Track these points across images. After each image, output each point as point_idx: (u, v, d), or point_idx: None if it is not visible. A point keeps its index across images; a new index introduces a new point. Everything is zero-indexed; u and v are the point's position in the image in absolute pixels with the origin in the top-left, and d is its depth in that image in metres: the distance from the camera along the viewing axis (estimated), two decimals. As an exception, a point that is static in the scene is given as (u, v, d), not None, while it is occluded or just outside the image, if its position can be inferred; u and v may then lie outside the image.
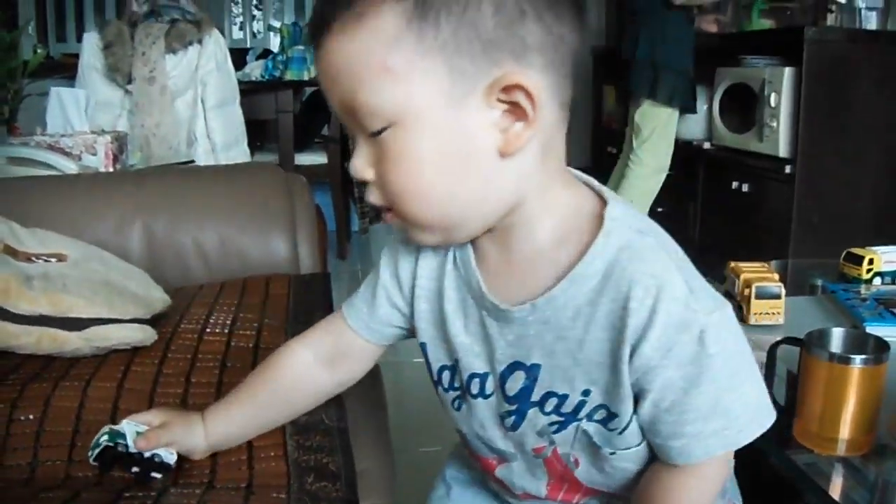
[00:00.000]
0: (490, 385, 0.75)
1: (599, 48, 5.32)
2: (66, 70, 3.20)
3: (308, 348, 0.86)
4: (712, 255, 3.66)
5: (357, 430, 0.98)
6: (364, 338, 0.84)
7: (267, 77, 4.26)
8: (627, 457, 0.73)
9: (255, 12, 7.13)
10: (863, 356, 0.87)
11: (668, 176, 3.57)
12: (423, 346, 0.80)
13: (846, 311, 1.36)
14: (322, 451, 0.87)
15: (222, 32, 3.46)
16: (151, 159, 2.86)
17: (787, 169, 3.19)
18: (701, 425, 0.67)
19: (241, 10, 7.06)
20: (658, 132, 3.46)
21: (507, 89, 0.62)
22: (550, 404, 0.72)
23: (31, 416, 0.90)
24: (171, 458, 0.83)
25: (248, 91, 3.50)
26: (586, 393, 0.70)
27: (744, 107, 3.45)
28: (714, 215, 3.77)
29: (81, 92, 2.45)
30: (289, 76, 4.26)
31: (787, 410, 0.95)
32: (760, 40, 3.58)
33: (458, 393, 0.78)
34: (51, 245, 1.24)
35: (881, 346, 0.89)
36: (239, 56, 4.16)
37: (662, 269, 0.66)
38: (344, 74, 0.62)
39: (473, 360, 0.74)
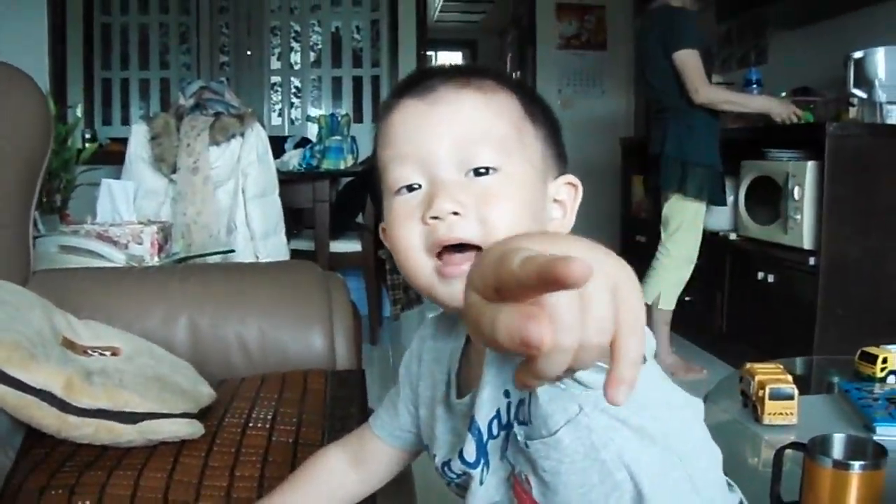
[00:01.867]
0: (456, 467, 0.80)
1: (627, 139, 5.46)
2: (114, 158, 3.35)
3: (342, 453, 0.95)
4: (739, 345, 3.72)
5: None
6: (389, 444, 0.93)
7: (304, 166, 4.41)
8: (543, 452, 0.67)
9: (294, 100, 7.37)
10: (861, 462, 0.93)
11: (695, 266, 3.64)
12: (426, 447, 0.87)
13: (858, 410, 1.41)
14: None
15: (261, 120, 3.62)
16: (193, 246, 2.98)
17: (812, 261, 3.24)
18: None
19: (280, 97, 7.30)
20: (686, 224, 3.54)
21: (567, 185, 0.79)
22: (495, 426, 0.74)
23: (87, 503, 0.98)
24: None
25: (287, 181, 3.64)
26: (507, 394, 0.72)
27: (769, 199, 3.52)
28: (741, 305, 3.82)
29: (130, 184, 2.59)
30: (325, 165, 4.41)
31: (795, 510, 1.00)
32: (784, 134, 3.67)
33: (450, 482, 0.84)
34: (104, 338, 1.34)
35: (880, 451, 0.95)
36: (277, 144, 4.32)
37: None
38: (476, 117, 0.73)
39: (445, 453, 0.82)
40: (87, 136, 4.70)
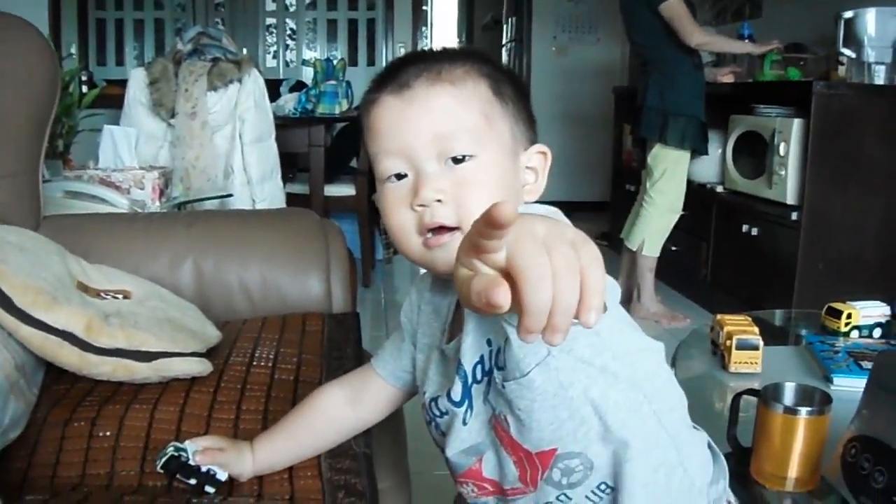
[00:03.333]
0: (443, 405, 0.89)
1: (620, 88, 5.50)
2: (112, 102, 3.39)
3: (341, 390, 1.05)
4: (722, 294, 3.84)
5: (380, 455, 1.15)
6: (390, 383, 1.03)
7: (300, 110, 4.45)
8: (517, 392, 0.74)
9: (289, 42, 7.37)
10: (808, 408, 1.03)
11: (682, 216, 3.73)
12: (419, 387, 0.97)
13: (819, 362, 1.51)
14: (350, 472, 1.04)
15: (256, 62, 3.66)
16: (191, 190, 3.05)
17: (794, 216, 3.33)
18: None
19: (275, 39, 7.30)
20: (669, 173, 3.62)
21: (538, 153, 0.88)
22: (479, 372, 0.83)
23: (108, 433, 1.08)
24: (223, 475, 1.00)
25: (283, 126, 3.69)
26: (489, 343, 0.81)
27: (755, 154, 3.59)
28: (725, 256, 3.92)
29: (132, 130, 2.65)
30: (320, 110, 4.45)
31: (750, 451, 1.11)
32: (772, 91, 3.74)
33: (434, 422, 0.93)
34: (115, 282, 1.42)
35: (825, 399, 1.05)
36: (272, 87, 4.37)
37: None
38: (449, 111, 0.82)
39: (434, 391, 0.92)
40: (84, 78, 4.72)
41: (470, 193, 0.81)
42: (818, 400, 1.06)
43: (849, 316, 1.68)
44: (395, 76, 0.84)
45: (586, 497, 0.83)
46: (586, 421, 0.75)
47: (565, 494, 0.83)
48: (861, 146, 3.30)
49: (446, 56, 0.86)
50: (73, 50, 6.48)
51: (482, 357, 0.82)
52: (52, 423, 1.11)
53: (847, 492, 1.00)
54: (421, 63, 0.84)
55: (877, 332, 1.69)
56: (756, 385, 1.16)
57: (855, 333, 1.68)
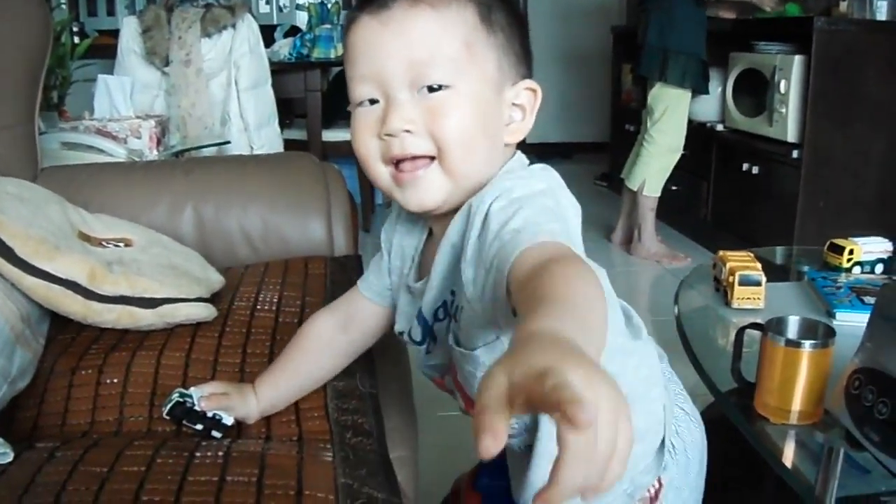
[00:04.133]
0: (406, 338, 0.95)
1: (619, 28, 5.44)
2: (105, 52, 3.36)
3: (332, 317, 1.06)
4: (724, 232, 3.83)
5: (386, 395, 1.16)
6: (377, 303, 1.03)
7: (295, 55, 4.41)
8: (464, 360, 0.83)
9: (282, -14, 7.26)
10: (812, 341, 1.04)
11: (682, 156, 3.71)
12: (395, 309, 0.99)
13: (822, 297, 1.51)
14: (357, 412, 1.05)
15: (250, 8, 3.62)
16: (188, 138, 3.03)
17: (795, 154, 3.32)
18: (500, 241, 0.69)
19: (268, -16, 7.19)
20: (669, 112, 3.59)
21: (527, 90, 0.83)
22: (441, 312, 0.86)
23: (115, 380, 1.08)
24: (229, 420, 1.01)
25: (278, 71, 3.66)
26: (452, 293, 0.83)
27: (756, 91, 3.56)
28: (725, 195, 3.91)
29: (127, 79, 2.62)
30: (316, 54, 4.41)
31: (754, 385, 1.11)
32: (773, 27, 3.69)
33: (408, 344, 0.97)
34: (116, 230, 1.42)
35: (829, 332, 1.06)
36: (267, 33, 4.31)
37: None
38: (427, 37, 0.77)
39: (403, 322, 0.95)
40: (75, 29, 4.65)
41: (442, 122, 0.78)
42: (821, 333, 1.07)
43: (851, 252, 1.68)
44: None
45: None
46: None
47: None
48: (862, 83, 3.27)
49: None
50: (63, 0, 6.39)
51: (444, 302, 0.85)
52: (60, 372, 1.11)
53: (851, 424, 1.01)
54: None
55: (879, 268, 1.69)
56: (759, 320, 1.16)
57: (857, 269, 1.68)
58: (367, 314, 1.05)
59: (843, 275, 1.66)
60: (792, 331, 1.08)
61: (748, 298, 1.47)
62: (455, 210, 0.82)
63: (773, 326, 1.07)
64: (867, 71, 3.26)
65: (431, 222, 0.90)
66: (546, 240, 0.66)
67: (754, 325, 1.12)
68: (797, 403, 1.05)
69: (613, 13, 6.25)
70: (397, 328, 0.97)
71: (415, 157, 0.79)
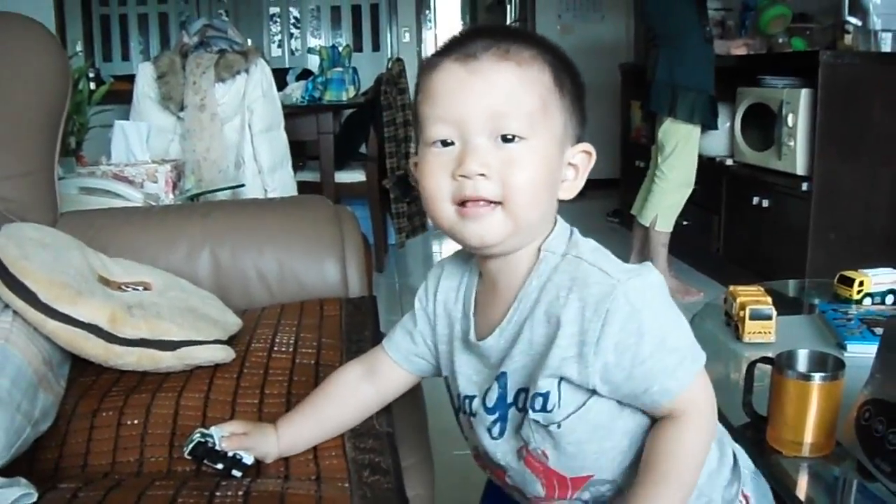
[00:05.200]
0: (476, 405, 0.94)
1: (627, 65, 5.49)
2: (120, 97, 3.41)
3: (360, 368, 1.08)
4: (735, 267, 3.84)
5: (402, 434, 1.17)
6: (402, 367, 1.05)
7: (307, 98, 4.47)
8: (572, 427, 0.86)
9: (293, 31, 7.37)
10: (822, 374, 1.05)
11: (693, 190, 3.74)
12: (445, 379, 1.01)
13: (832, 330, 1.52)
14: (374, 451, 1.06)
15: (262, 53, 3.69)
16: (203, 182, 3.07)
17: (804, 186, 3.34)
18: (662, 362, 0.81)
19: (279, 28, 7.30)
20: (680, 148, 3.62)
21: (583, 152, 0.89)
22: (521, 401, 0.88)
23: (135, 421, 1.10)
24: (249, 459, 1.02)
25: (291, 114, 3.70)
26: (535, 381, 0.86)
27: (764, 125, 3.59)
28: (736, 229, 3.92)
29: (143, 125, 2.66)
30: (328, 97, 4.47)
31: (766, 419, 1.13)
32: (779, 62, 3.73)
33: (466, 415, 0.97)
34: (135, 274, 1.45)
35: (838, 364, 1.07)
36: (279, 76, 4.37)
37: (577, 269, 0.85)
38: (510, 90, 0.82)
39: (466, 387, 0.95)
40: (91, 74, 4.74)
41: (515, 173, 0.82)
42: (831, 365, 1.08)
43: (861, 283, 1.69)
44: (462, 45, 0.84)
45: None
46: (624, 451, 0.88)
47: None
48: (869, 115, 3.29)
49: (516, 36, 0.86)
50: (79, 47, 6.50)
51: (527, 389, 0.87)
52: (81, 414, 1.13)
53: (862, 455, 1.01)
54: (490, 38, 0.84)
55: (889, 299, 1.70)
56: (770, 354, 1.17)
57: (867, 301, 1.69)
58: (391, 372, 1.07)
59: (854, 306, 1.67)
60: (802, 364, 1.10)
61: (759, 332, 1.48)
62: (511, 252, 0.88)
63: (784, 360, 1.09)
64: (874, 103, 3.29)
65: (482, 265, 0.93)
66: (672, 402, 0.83)
67: (765, 360, 1.13)
68: (809, 436, 1.06)
69: (621, 50, 6.32)
70: (458, 391, 0.97)
71: (483, 200, 0.83)
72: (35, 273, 1.15)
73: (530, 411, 0.86)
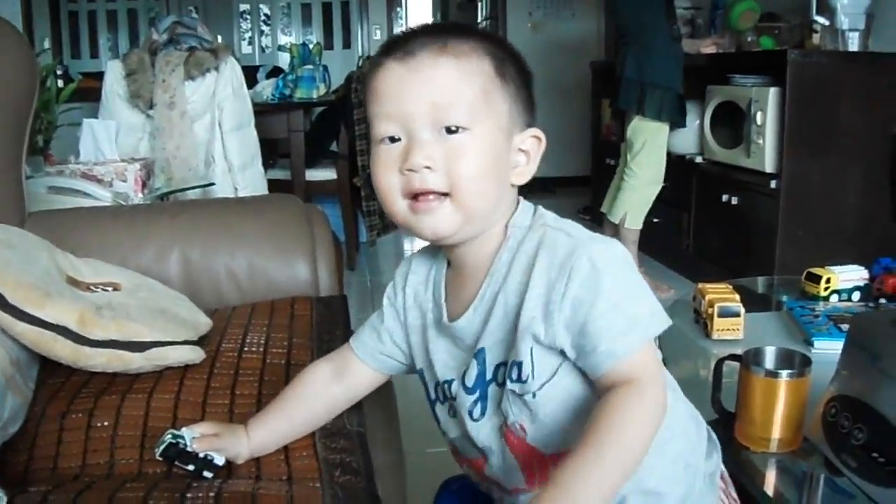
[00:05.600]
0: (455, 388, 0.94)
1: (597, 63, 5.52)
2: (89, 95, 3.38)
3: (328, 367, 1.07)
4: (705, 263, 3.88)
5: (373, 433, 1.17)
6: (370, 366, 1.05)
7: (277, 95, 4.46)
8: (547, 396, 0.86)
9: (264, 28, 7.33)
10: (789, 371, 1.06)
11: (662, 188, 3.76)
12: (420, 372, 1.00)
13: (800, 326, 1.54)
14: (345, 451, 1.06)
15: (232, 50, 3.66)
16: (173, 180, 3.05)
17: (773, 184, 3.37)
18: (613, 322, 0.80)
19: (249, 25, 7.26)
20: (649, 145, 3.65)
21: (532, 137, 0.90)
22: (500, 375, 0.89)
23: (106, 423, 1.09)
24: (220, 460, 1.02)
25: (261, 112, 3.70)
26: (516, 354, 0.87)
27: (733, 124, 3.63)
28: (706, 226, 3.96)
29: (112, 123, 2.64)
30: (298, 94, 4.46)
31: (734, 415, 1.14)
32: (748, 60, 3.76)
33: (447, 403, 0.97)
34: (104, 274, 1.44)
35: (805, 361, 1.08)
36: (249, 73, 4.36)
37: (543, 235, 0.87)
38: (449, 83, 0.84)
39: (444, 372, 0.95)
40: (59, 72, 4.69)
41: (460, 163, 0.84)
42: (798, 362, 1.09)
43: (828, 280, 1.71)
44: (402, 44, 0.87)
45: None
46: None
47: None
48: (837, 113, 3.33)
49: (455, 30, 0.88)
50: (47, 44, 6.43)
51: (504, 363, 0.88)
52: (50, 416, 1.12)
53: (829, 450, 1.03)
54: (428, 35, 0.87)
55: (856, 296, 1.72)
56: (738, 351, 1.18)
57: (834, 297, 1.72)
58: (359, 370, 1.07)
59: (821, 303, 1.69)
60: (769, 361, 1.11)
61: (727, 329, 1.50)
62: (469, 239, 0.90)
63: (751, 357, 1.10)
64: (841, 101, 3.33)
65: (448, 253, 0.95)
66: (617, 366, 0.80)
67: (733, 357, 1.15)
68: (776, 432, 1.08)
69: (592, 48, 6.35)
70: (436, 378, 0.97)
71: (431, 192, 0.85)
72: (2, 275, 1.13)
73: (508, 382, 0.87)
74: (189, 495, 0.88)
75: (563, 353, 0.84)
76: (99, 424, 1.09)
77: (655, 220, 3.93)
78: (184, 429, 1.04)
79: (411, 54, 0.85)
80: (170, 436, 1.02)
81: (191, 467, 1.01)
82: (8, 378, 1.09)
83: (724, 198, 3.71)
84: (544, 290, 0.83)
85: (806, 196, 3.37)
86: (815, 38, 3.60)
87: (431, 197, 0.85)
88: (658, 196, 3.76)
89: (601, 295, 0.81)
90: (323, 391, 1.07)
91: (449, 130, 0.84)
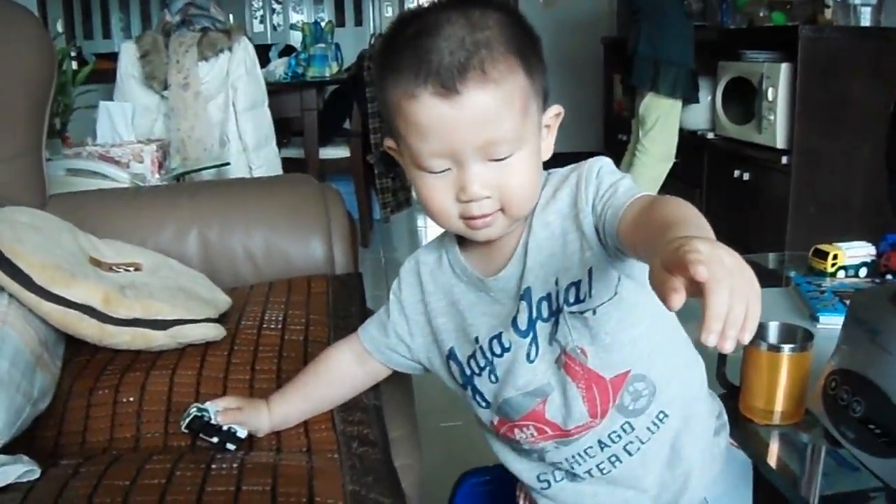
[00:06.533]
0: (506, 339, 0.95)
1: (609, 38, 5.51)
2: (104, 77, 3.42)
3: (349, 349, 1.11)
4: (718, 238, 3.86)
5: (389, 407, 1.21)
6: (377, 360, 1.08)
7: (290, 74, 4.47)
8: (607, 314, 0.90)
9: (276, 6, 7.33)
10: (791, 346, 1.09)
11: (674, 164, 3.77)
12: (451, 351, 1.01)
13: (806, 302, 1.57)
14: (362, 423, 1.10)
15: (244, 29, 3.69)
16: (188, 160, 3.09)
17: (784, 160, 3.38)
18: (623, 180, 0.89)
19: (261, 4, 7.26)
20: (661, 122, 3.65)
21: (555, 115, 0.92)
22: (545, 309, 0.92)
23: (131, 399, 1.14)
24: (242, 433, 1.07)
25: (274, 91, 3.71)
26: (556, 282, 0.91)
27: (744, 99, 3.63)
28: (718, 202, 3.97)
29: (128, 105, 2.68)
30: (311, 73, 4.48)
31: (739, 388, 1.17)
32: (759, 36, 3.76)
33: (489, 367, 0.98)
34: (125, 255, 1.48)
35: (807, 336, 1.11)
36: (262, 52, 4.38)
37: (554, 177, 0.94)
38: (496, 117, 0.83)
39: (490, 329, 0.97)
40: (73, 53, 4.71)
41: (513, 184, 0.86)
42: (800, 337, 1.12)
43: (835, 257, 1.73)
44: (430, 63, 0.81)
45: (647, 428, 0.96)
46: (652, 339, 0.94)
47: (629, 423, 0.95)
48: (848, 88, 3.33)
49: (481, 35, 0.83)
50: (60, 27, 6.45)
51: (549, 294, 0.92)
52: (78, 392, 1.17)
53: (828, 422, 1.06)
54: (457, 48, 0.81)
55: (863, 272, 1.74)
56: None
57: (841, 273, 1.73)
58: (372, 359, 1.10)
59: (828, 279, 1.71)
60: (773, 336, 1.14)
61: (735, 305, 1.52)
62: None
63: (756, 332, 1.13)
64: (853, 76, 3.33)
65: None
66: (643, 194, 0.84)
67: (737, 332, 1.18)
68: (779, 405, 1.11)
69: (604, 24, 6.33)
70: (483, 336, 0.98)
71: (490, 214, 0.87)
72: (29, 256, 1.17)
73: (565, 307, 0.90)
74: (214, 466, 0.93)
75: (607, 259, 0.88)
76: (125, 400, 1.14)
77: (667, 195, 3.93)
78: (208, 403, 1.08)
79: (455, 91, 0.81)
80: (195, 409, 1.07)
81: (215, 439, 1.05)
82: (37, 357, 1.13)
83: (736, 174, 3.72)
84: (570, 203, 0.90)
85: (817, 172, 3.37)
86: (828, 14, 3.59)
87: (489, 216, 0.87)
88: (670, 172, 3.77)
89: (602, 183, 0.88)
90: (344, 374, 1.11)
91: (499, 158, 0.85)
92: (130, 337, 1.22)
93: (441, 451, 1.54)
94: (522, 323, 0.94)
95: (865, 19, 3.48)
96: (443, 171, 0.86)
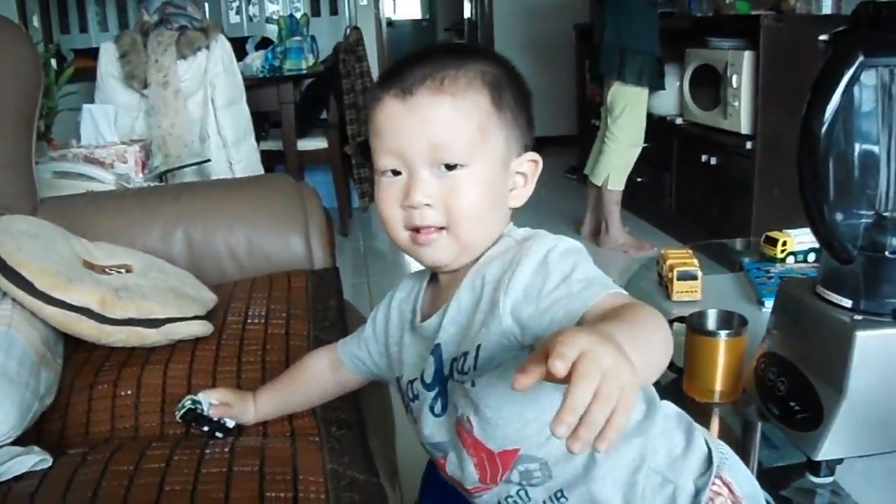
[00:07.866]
0: (416, 387, 0.97)
1: (581, 25, 5.60)
2: (84, 76, 3.47)
3: (326, 358, 1.18)
4: (686, 222, 4.01)
5: (364, 391, 1.32)
6: (346, 366, 1.15)
7: (267, 67, 4.55)
8: (488, 386, 0.86)
9: (251, -4, 7.38)
10: (727, 331, 1.21)
11: (644, 148, 3.89)
12: (398, 379, 1.03)
13: (754, 287, 1.68)
14: (340, 409, 1.22)
15: (220, 21, 3.76)
16: (169, 158, 3.17)
17: (749, 145, 3.50)
18: (567, 289, 0.80)
19: (237, -6, 7.30)
20: (629, 110, 3.77)
21: (530, 161, 0.93)
22: (456, 369, 0.90)
23: (129, 392, 1.25)
24: (231, 423, 1.17)
25: (252, 86, 3.79)
26: (460, 346, 0.89)
27: (711, 86, 3.74)
28: (687, 185, 4.09)
29: (110, 107, 2.76)
30: (287, 66, 4.56)
31: (682, 370, 1.29)
32: (724, 24, 3.87)
33: (411, 406, 1.00)
34: (117, 257, 1.57)
35: (742, 322, 1.23)
36: (238, 45, 4.44)
37: (501, 245, 0.92)
38: (446, 123, 0.86)
39: (411, 372, 0.99)
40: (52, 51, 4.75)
41: (458, 199, 0.88)
42: (736, 323, 1.24)
43: (784, 243, 1.84)
44: (399, 77, 0.88)
45: (543, 501, 0.92)
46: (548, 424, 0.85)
47: (525, 491, 0.92)
48: (810, 75, 3.36)
49: (451, 60, 0.89)
50: (36, 22, 6.47)
51: (455, 359, 0.91)
52: (79, 388, 1.27)
53: (758, 400, 1.18)
54: (425, 67, 0.87)
55: (811, 257, 1.84)
56: (695, 311, 1.32)
57: (791, 259, 1.84)
58: (345, 368, 1.17)
59: (777, 265, 1.82)
60: (711, 322, 1.26)
61: (686, 292, 1.64)
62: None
63: (695, 319, 1.25)
64: (814, 63, 3.37)
65: (439, 272, 0.98)
66: (616, 292, 0.80)
67: (679, 319, 1.29)
68: (718, 384, 1.22)
69: (577, 10, 6.42)
70: (405, 378, 1.00)
71: (431, 227, 0.89)
72: (30, 264, 1.27)
73: (454, 374, 0.90)
74: (207, 451, 1.04)
75: (513, 346, 0.85)
76: (123, 393, 1.24)
77: (639, 179, 4.06)
78: (200, 393, 1.18)
79: (409, 93, 0.87)
80: (189, 401, 1.17)
81: (205, 429, 1.15)
82: (41, 356, 1.23)
83: (704, 158, 3.83)
84: (494, 287, 0.87)
85: (780, 156, 3.47)
86: (791, 1, 3.70)
87: (431, 231, 0.89)
88: (641, 156, 3.88)
89: (551, 275, 0.83)
90: (319, 379, 1.19)
91: (448, 167, 0.87)
92: (126, 335, 1.32)
93: (414, 435, 1.65)
94: (428, 376, 0.94)
95: (827, 7, 3.59)
96: (396, 176, 0.89)
